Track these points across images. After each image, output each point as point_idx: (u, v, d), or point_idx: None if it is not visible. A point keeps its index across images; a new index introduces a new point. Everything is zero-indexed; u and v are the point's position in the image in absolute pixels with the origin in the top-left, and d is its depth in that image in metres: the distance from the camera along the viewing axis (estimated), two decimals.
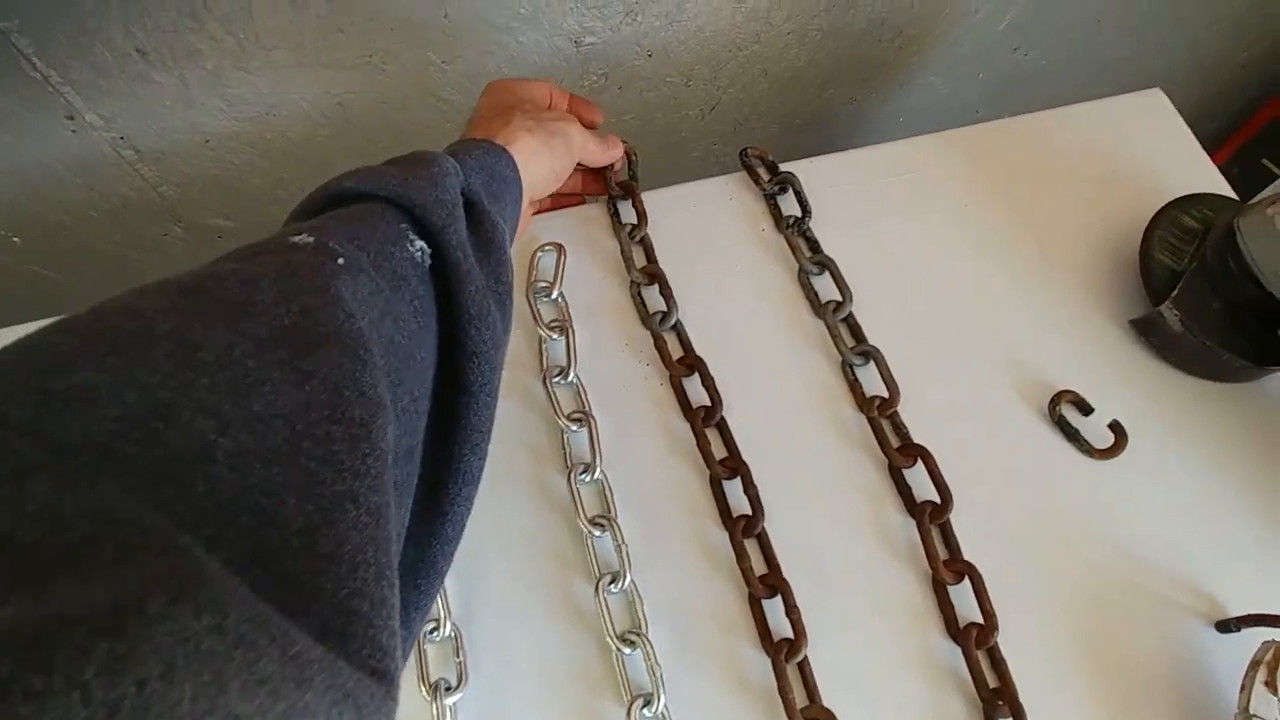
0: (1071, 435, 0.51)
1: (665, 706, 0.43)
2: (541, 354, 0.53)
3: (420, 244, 0.35)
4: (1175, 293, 0.51)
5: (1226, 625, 0.46)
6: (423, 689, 0.43)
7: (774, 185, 0.59)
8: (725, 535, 0.48)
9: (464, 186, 0.39)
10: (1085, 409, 0.52)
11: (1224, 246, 0.50)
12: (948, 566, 0.47)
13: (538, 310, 0.54)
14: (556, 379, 0.52)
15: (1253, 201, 0.50)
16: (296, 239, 0.30)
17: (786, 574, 0.46)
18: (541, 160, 0.46)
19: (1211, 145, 1.24)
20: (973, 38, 0.85)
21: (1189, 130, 0.64)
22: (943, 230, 0.59)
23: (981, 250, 0.58)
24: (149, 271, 0.82)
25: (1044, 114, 0.64)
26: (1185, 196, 0.56)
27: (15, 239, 0.72)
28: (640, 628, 0.45)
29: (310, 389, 0.24)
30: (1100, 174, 0.61)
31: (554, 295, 0.55)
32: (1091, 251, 0.58)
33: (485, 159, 0.42)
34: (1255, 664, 0.43)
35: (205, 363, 0.22)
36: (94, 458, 0.19)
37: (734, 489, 0.49)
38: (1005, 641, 0.45)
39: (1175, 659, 0.46)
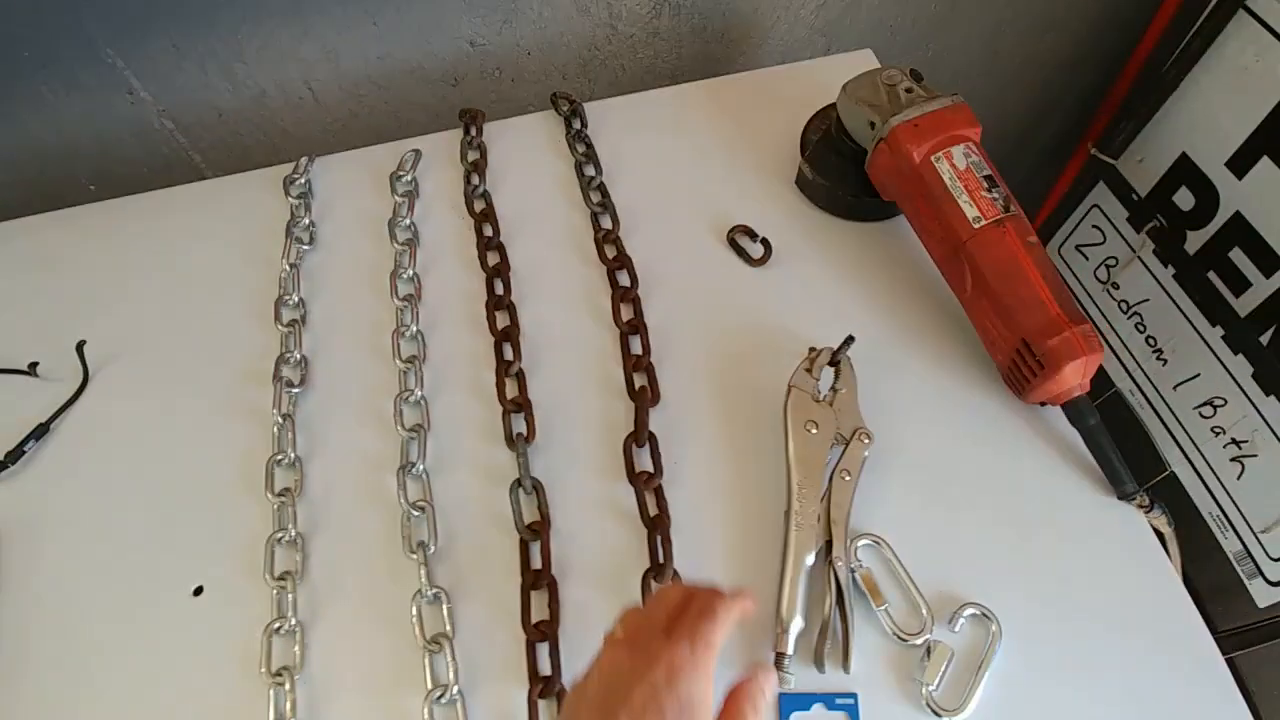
0: (739, 252, 0.74)
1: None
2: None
3: None
4: (809, 152, 0.74)
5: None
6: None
7: (568, 109, 0.86)
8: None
9: None
10: (754, 236, 0.75)
11: (834, 118, 0.73)
12: (629, 324, 0.70)
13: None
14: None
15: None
16: None
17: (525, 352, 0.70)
18: None
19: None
20: (784, 35, 1.11)
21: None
22: (684, 138, 0.84)
23: (710, 151, 0.83)
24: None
25: (781, 68, 0.90)
26: None
27: (91, 186, 1.05)
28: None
29: None
30: (809, 101, 0.85)
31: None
32: (787, 145, 0.81)
33: None
34: (805, 360, 0.63)
35: None
36: None
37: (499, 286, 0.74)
38: (669, 374, 0.67)
39: (779, 380, 0.66)
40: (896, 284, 0.72)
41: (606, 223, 0.77)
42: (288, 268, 0.76)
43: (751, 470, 0.62)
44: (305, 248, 0.78)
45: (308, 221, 0.80)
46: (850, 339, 0.63)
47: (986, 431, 0.63)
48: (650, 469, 0.62)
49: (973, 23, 1.17)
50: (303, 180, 0.83)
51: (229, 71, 0.96)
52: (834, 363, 0.63)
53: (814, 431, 0.59)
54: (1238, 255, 0.91)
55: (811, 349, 0.63)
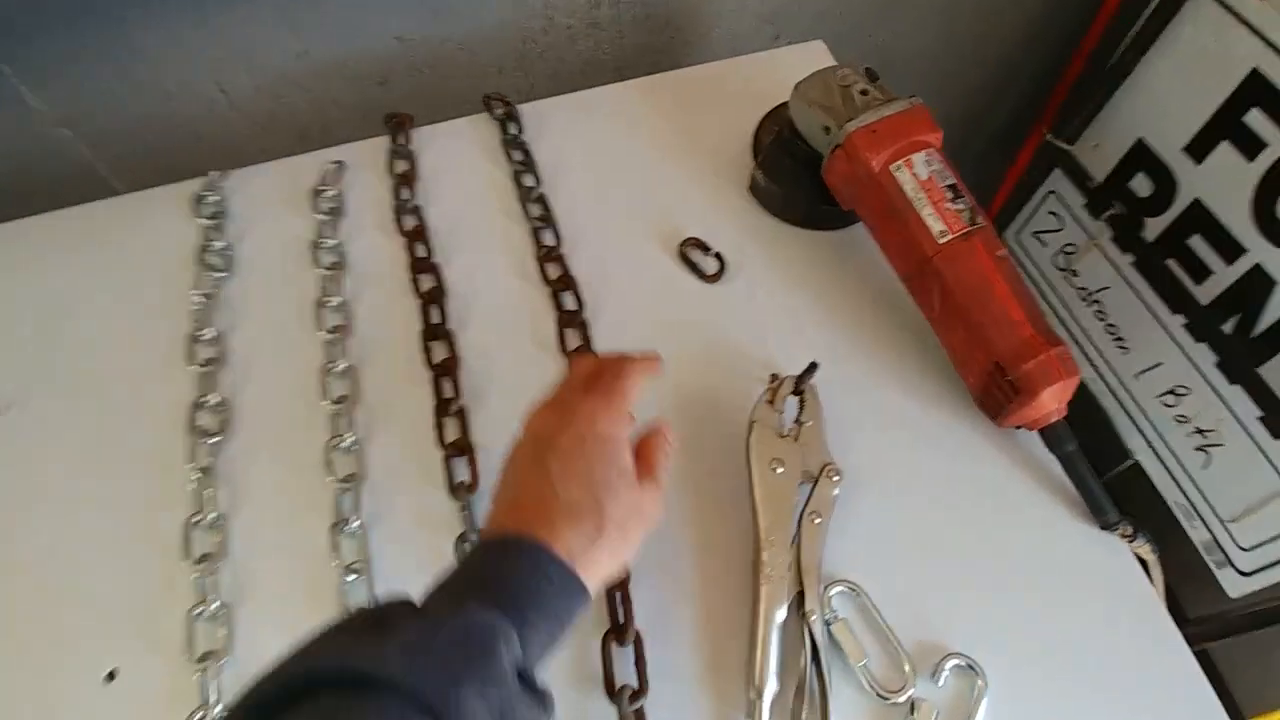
0: (692, 266, 0.69)
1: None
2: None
3: None
4: (761, 157, 0.70)
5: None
6: None
7: (502, 112, 0.80)
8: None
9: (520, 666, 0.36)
10: (706, 249, 0.70)
11: (787, 120, 0.68)
12: (574, 352, 0.65)
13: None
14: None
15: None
16: None
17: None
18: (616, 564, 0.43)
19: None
20: (730, 23, 1.05)
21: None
22: (628, 141, 0.79)
23: (656, 155, 0.78)
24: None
25: (728, 61, 0.84)
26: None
27: None
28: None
29: None
30: (760, 97, 0.80)
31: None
32: (738, 147, 0.77)
33: (560, 613, 0.39)
34: (766, 390, 0.59)
35: None
36: None
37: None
38: None
39: (739, 409, 0.62)
40: (859, 297, 0.68)
41: (549, 239, 0.71)
42: (201, 299, 0.69)
43: (714, 514, 0.58)
44: (220, 275, 0.71)
45: (222, 245, 0.73)
46: (814, 366, 0.59)
47: (960, 459, 0.60)
48: None
49: (927, 1, 1.13)
50: (215, 198, 0.76)
51: (127, 72, 0.88)
52: (798, 392, 0.59)
53: (780, 470, 0.55)
54: (1197, 243, 0.89)
55: (773, 376, 0.59)
